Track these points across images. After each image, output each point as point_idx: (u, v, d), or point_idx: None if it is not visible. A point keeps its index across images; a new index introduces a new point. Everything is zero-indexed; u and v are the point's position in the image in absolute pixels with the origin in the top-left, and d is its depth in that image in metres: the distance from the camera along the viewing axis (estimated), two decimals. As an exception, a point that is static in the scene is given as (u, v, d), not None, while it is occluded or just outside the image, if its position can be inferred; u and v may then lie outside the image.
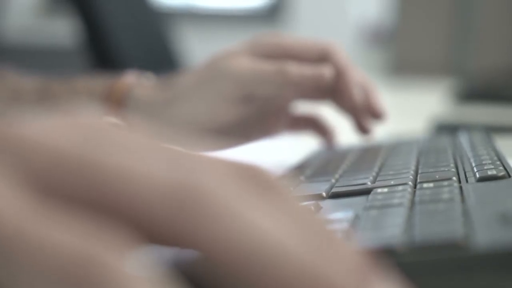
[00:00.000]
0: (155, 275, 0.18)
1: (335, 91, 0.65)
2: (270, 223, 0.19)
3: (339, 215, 0.37)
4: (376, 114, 0.66)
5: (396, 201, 0.38)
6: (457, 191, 0.38)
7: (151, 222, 0.19)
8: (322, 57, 0.65)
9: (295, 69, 0.62)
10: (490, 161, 0.46)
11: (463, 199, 0.37)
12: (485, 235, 0.29)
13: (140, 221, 0.19)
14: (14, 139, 0.20)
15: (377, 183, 0.44)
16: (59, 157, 0.19)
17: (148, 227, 0.19)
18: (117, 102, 0.66)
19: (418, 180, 0.43)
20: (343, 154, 0.61)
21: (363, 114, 0.66)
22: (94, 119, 0.21)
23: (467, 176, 0.44)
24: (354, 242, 0.23)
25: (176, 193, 0.19)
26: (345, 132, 0.72)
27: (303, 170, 0.55)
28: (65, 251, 0.18)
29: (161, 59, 1.59)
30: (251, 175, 0.21)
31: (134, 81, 0.67)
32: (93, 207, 0.19)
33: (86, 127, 0.20)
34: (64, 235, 0.18)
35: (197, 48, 3.39)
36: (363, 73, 0.67)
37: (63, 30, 3.45)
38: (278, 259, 0.19)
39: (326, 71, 0.62)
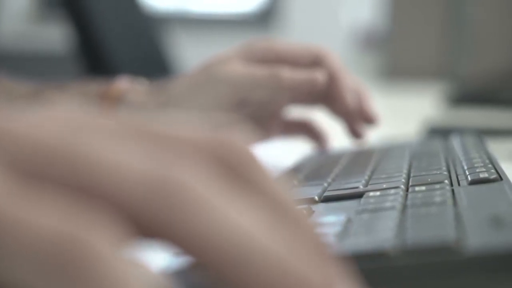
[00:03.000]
0: (139, 261, 0.18)
1: (328, 95, 0.65)
2: (245, 218, 0.20)
3: (331, 218, 0.37)
4: (369, 119, 0.66)
5: (388, 204, 0.38)
6: (449, 194, 0.38)
7: (129, 213, 0.19)
8: (314, 61, 0.65)
9: (288, 74, 0.62)
10: (482, 164, 0.46)
11: (455, 202, 0.37)
12: (477, 238, 0.30)
13: (119, 212, 0.19)
14: None
15: (369, 187, 0.44)
16: (38, 147, 0.20)
17: (127, 218, 0.19)
18: (110, 106, 0.66)
19: (410, 184, 0.43)
20: (335, 158, 0.61)
21: (356, 118, 0.66)
22: (74, 111, 0.21)
23: (459, 179, 0.44)
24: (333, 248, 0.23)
25: (154, 186, 0.19)
26: (337, 137, 0.72)
27: (296, 174, 0.55)
28: (50, 232, 0.18)
29: (154, 64, 1.59)
30: (227, 158, 0.21)
31: (127, 86, 0.67)
32: (71, 196, 0.19)
33: (65, 119, 0.21)
34: (48, 217, 0.18)
35: (190, 53, 3.38)
36: (356, 78, 0.68)
37: (55, 36, 3.45)
38: (252, 255, 0.19)
39: (319, 76, 0.63)
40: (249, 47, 0.66)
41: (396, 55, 1.98)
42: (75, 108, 0.21)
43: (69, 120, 0.21)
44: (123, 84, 0.67)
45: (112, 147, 0.20)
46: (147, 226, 0.19)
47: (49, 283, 0.18)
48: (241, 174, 0.21)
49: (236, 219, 0.19)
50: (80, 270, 0.17)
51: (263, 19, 3.94)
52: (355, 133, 0.67)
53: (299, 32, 3.87)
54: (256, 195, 0.21)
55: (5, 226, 0.18)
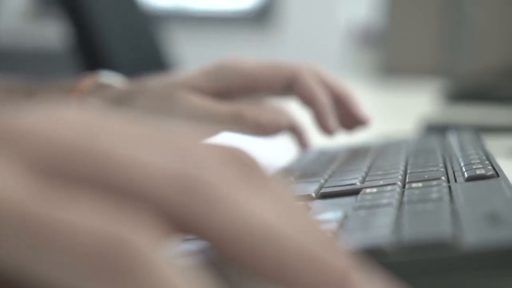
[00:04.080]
0: (182, 263, 0.19)
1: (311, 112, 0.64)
2: (268, 211, 0.20)
3: (328, 215, 0.37)
4: (360, 122, 0.65)
5: (385, 201, 0.38)
6: (445, 190, 0.38)
7: (162, 212, 0.20)
8: (289, 83, 0.63)
9: (251, 116, 0.61)
10: (478, 161, 0.46)
11: (451, 199, 0.37)
12: (474, 235, 0.30)
13: (153, 211, 0.20)
14: (18, 131, 0.20)
15: (366, 183, 0.44)
16: (63, 147, 0.20)
17: (161, 217, 0.20)
18: (76, 102, 0.65)
19: (407, 180, 0.43)
20: (332, 155, 0.61)
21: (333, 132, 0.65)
22: (93, 111, 0.21)
23: (456, 175, 0.44)
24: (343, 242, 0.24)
25: (180, 183, 0.20)
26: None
27: (293, 171, 0.55)
28: (93, 233, 0.18)
29: (151, 61, 1.59)
30: (240, 160, 0.22)
31: (94, 82, 0.66)
32: (103, 196, 0.19)
33: (87, 118, 0.21)
34: (88, 218, 0.18)
35: (188, 50, 3.38)
36: (341, 82, 0.66)
37: (52, 33, 3.45)
38: (277, 244, 0.20)
39: (283, 121, 0.62)
40: (218, 69, 0.64)
41: (394, 52, 1.98)
42: (88, 108, 0.21)
43: (86, 119, 0.21)
44: (89, 80, 0.67)
45: (136, 146, 0.20)
46: (179, 224, 0.20)
47: (92, 283, 0.18)
48: (252, 177, 0.22)
49: (261, 213, 0.20)
50: (126, 270, 0.18)
51: (260, 16, 3.93)
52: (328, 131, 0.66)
53: (296, 29, 3.87)
54: (270, 192, 0.22)
55: (44, 228, 0.18)
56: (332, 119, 0.63)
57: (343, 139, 0.70)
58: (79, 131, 0.20)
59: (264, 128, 0.62)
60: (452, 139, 0.61)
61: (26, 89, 0.68)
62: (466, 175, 0.43)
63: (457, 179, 0.43)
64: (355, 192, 0.42)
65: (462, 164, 0.47)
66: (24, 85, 0.69)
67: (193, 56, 3.63)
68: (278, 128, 0.62)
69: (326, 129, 0.63)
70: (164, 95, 0.63)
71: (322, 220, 0.23)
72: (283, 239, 0.20)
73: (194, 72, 0.64)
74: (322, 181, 0.48)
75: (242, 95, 0.63)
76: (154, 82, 0.65)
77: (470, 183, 0.41)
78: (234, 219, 0.20)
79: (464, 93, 1.23)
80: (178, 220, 0.20)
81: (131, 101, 0.64)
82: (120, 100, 0.64)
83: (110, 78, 0.67)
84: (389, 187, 0.41)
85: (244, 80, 0.63)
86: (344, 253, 0.21)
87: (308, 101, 0.62)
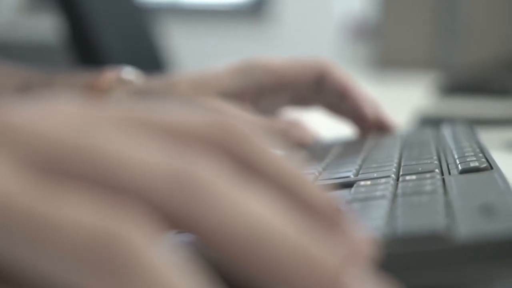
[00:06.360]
0: (176, 258, 0.18)
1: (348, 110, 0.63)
2: (262, 207, 0.20)
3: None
4: (385, 127, 0.65)
5: (378, 193, 0.38)
6: (439, 183, 0.39)
7: (154, 207, 0.20)
8: (319, 78, 0.61)
9: (281, 129, 0.60)
10: (472, 153, 0.46)
11: (445, 191, 0.37)
12: (467, 227, 0.30)
13: (146, 206, 0.20)
14: (11, 128, 0.20)
15: (360, 176, 0.44)
16: (55, 143, 0.20)
17: (154, 212, 0.20)
18: (97, 98, 0.65)
19: (401, 173, 0.43)
20: (326, 148, 0.61)
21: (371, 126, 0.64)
22: (79, 105, 0.21)
23: (450, 168, 0.44)
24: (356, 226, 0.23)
25: (173, 179, 0.20)
26: (329, 131, 0.72)
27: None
28: (86, 228, 0.18)
29: (146, 55, 1.58)
30: (230, 142, 0.22)
31: (115, 77, 0.66)
32: (95, 192, 0.19)
33: (74, 113, 0.21)
34: (81, 213, 0.18)
35: (182, 44, 3.38)
36: (351, 78, 0.65)
37: (46, 26, 3.44)
38: (269, 241, 0.20)
39: (309, 138, 0.62)
40: (248, 67, 0.61)
41: (388, 45, 1.98)
42: (79, 102, 0.21)
43: (79, 115, 0.21)
44: (111, 75, 0.67)
45: (129, 142, 0.20)
46: (172, 219, 0.20)
47: (87, 279, 0.18)
48: (247, 159, 0.22)
49: (254, 209, 0.20)
50: (121, 265, 0.18)
51: (255, 9, 3.93)
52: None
53: (291, 22, 3.87)
54: (265, 179, 0.22)
55: (38, 223, 0.18)
56: (369, 108, 0.62)
57: (336, 131, 0.70)
58: (73, 127, 0.20)
59: (291, 143, 0.61)
60: (446, 131, 0.61)
61: (44, 80, 0.68)
62: (460, 167, 0.43)
63: (451, 171, 0.43)
64: (349, 184, 0.42)
65: (456, 156, 0.47)
66: (43, 76, 0.69)
67: (188, 50, 3.63)
68: (303, 145, 0.61)
69: (364, 118, 0.62)
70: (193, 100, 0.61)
71: (328, 194, 0.22)
72: (275, 237, 0.20)
73: (222, 71, 0.62)
74: (316, 173, 0.48)
75: (272, 94, 0.61)
76: (180, 79, 0.63)
77: (464, 176, 0.41)
78: (226, 216, 0.20)
79: (459, 85, 1.23)
80: (171, 216, 0.20)
81: (156, 98, 0.63)
82: (143, 96, 0.64)
83: (131, 74, 0.67)
84: (383, 180, 0.41)
85: (275, 77, 0.61)
86: (345, 242, 0.21)
87: (343, 92, 0.61)
